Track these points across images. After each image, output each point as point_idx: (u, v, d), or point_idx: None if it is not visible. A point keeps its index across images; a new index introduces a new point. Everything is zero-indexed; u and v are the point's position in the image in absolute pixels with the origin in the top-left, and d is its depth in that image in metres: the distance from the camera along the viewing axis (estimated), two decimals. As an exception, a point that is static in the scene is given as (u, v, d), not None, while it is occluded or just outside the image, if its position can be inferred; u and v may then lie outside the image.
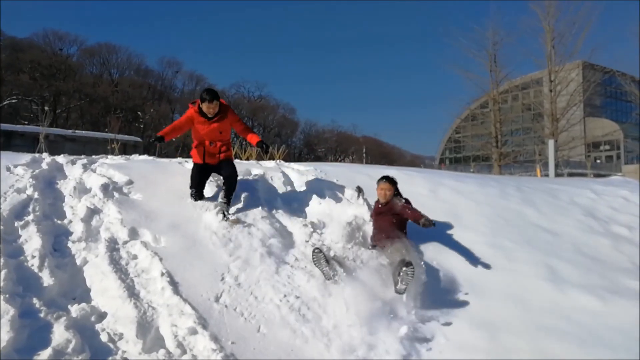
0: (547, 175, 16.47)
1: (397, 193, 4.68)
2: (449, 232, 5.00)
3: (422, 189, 6.03)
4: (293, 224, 4.82)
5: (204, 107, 4.90)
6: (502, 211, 5.63)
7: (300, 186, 5.96)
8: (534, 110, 27.20)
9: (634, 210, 6.00)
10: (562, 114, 21.96)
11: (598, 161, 48.26)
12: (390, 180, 4.72)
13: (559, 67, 22.06)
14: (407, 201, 4.61)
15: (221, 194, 4.96)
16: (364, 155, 51.61)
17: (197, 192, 5.07)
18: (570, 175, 22.90)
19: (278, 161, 7.96)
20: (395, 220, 4.45)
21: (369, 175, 6.50)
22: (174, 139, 5.43)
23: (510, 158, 25.10)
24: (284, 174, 6.17)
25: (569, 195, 6.42)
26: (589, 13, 21.97)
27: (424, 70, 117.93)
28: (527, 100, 28.97)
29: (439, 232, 4.95)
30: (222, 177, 5.20)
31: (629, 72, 24.30)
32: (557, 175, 17.27)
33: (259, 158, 12.26)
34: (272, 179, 5.93)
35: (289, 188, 5.86)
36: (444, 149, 62.07)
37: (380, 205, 4.62)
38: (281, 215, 5.00)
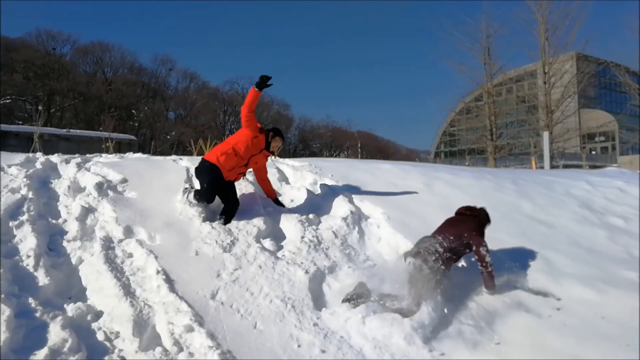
0: (542, 168, 16.53)
1: None
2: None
3: (417, 183, 6.04)
4: (288, 220, 4.82)
5: (275, 142, 4.92)
6: (497, 204, 5.64)
7: (295, 182, 5.96)
8: (528, 102, 27.23)
9: (629, 201, 6.03)
10: (557, 105, 22.01)
11: (593, 152, 48.41)
12: None
13: (552, 59, 22.07)
14: None
15: (221, 220, 4.63)
16: (359, 150, 51.62)
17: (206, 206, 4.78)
18: (566, 167, 22.98)
19: (273, 157, 7.95)
20: None
21: (363, 170, 6.51)
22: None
23: (505, 151, 25.17)
24: (279, 170, 6.16)
25: (564, 187, 6.45)
26: (583, 4, 22.01)
27: (419, 64, 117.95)
28: (521, 93, 28.95)
29: (433, 225, 4.96)
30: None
31: (623, 63, 24.39)
32: (553, 167, 17.34)
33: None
34: (267, 175, 5.91)
35: (283, 184, 5.85)
36: (439, 143, 62.07)
37: None
38: (276, 211, 4.99)
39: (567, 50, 23.17)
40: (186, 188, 4.97)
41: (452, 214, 5.33)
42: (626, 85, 23.31)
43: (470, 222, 4.12)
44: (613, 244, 4.89)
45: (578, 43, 23.16)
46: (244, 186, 5.39)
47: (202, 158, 4.84)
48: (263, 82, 4.48)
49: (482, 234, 4.07)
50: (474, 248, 3.96)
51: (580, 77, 23.09)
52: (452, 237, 3.91)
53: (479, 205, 4.36)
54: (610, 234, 5.09)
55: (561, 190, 6.31)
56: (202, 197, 4.71)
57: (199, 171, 4.78)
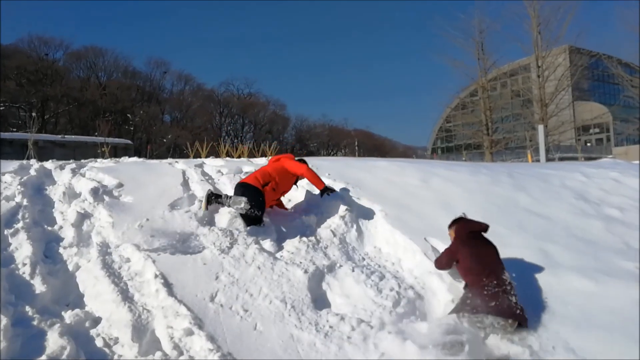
0: (538, 161, 16.57)
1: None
2: (442, 220, 5.00)
3: (414, 179, 6.05)
4: (286, 220, 4.81)
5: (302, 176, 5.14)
6: (494, 198, 5.65)
7: (292, 182, 5.94)
8: (523, 96, 27.32)
9: (625, 191, 6.04)
10: (551, 99, 22.09)
11: (588, 144, 48.63)
12: (450, 224, 3.98)
13: (545, 53, 22.16)
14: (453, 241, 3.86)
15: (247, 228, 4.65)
16: (356, 148, 51.61)
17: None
18: (561, 159, 23.06)
19: (270, 158, 7.94)
20: (458, 270, 3.80)
21: (360, 168, 6.51)
22: None
23: (501, 145, 25.22)
24: (276, 170, 6.14)
25: (560, 179, 6.46)
26: (574, -1, 22.08)
27: (415, 61, 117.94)
28: (515, 87, 29.10)
29: (431, 220, 4.96)
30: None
31: (616, 54, 24.51)
32: (548, 160, 17.37)
33: (251, 155, 12.24)
34: (263, 176, 5.90)
35: (281, 184, 5.83)
36: (436, 139, 62.20)
37: None
38: (274, 212, 4.98)
39: (560, 43, 23.27)
40: (215, 195, 4.66)
41: (449, 209, 5.28)
42: (619, 77, 23.39)
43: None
44: (609, 234, 4.90)
45: (570, 36, 23.27)
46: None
47: (246, 182, 4.71)
48: (327, 190, 5.06)
49: None
50: None
51: (573, 70, 23.20)
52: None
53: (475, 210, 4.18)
54: (607, 224, 5.10)
55: (557, 182, 6.32)
56: (258, 206, 4.58)
57: (248, 189, 4.63)
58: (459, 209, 5.30)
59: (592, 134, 50.89)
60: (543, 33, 22.08)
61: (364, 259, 4.44)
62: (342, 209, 5.00)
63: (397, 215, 4.97)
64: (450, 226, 4.02)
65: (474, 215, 5.15)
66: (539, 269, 4.19)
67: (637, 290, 3.79)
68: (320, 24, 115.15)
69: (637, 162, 8.87)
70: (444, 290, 3.87)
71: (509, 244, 4.60)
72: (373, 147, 59.11)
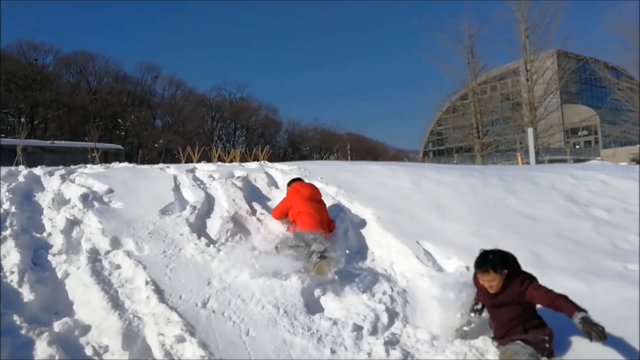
0: (528, 163, 16.73)
1: (514, 272, 3.30)
2: (433, 222, 5.02)
3: (405, 182, 6.07)
4: (278, 224, 4.80)
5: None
6: (485, 200, 5.70)
7: (284, 186, 5.93)
8: (512, 99, 27.62)
9: (612, 193, 6.12)
10: (540, 102, 22.37)
11: (577, 147, 49.26)
12: (493, 266, 3.21)
13: (534, 57, 22.46)
14: (531, 277, 3.33)
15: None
16: (349, 151, 51.70)
17: None
18: (551, 161, 23.32)
19: (262, 162, 7.93)
20: (523, 310, 3.29)
21: (352, 171, 6.52)
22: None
23: (492, 148, 25.47)
24: (268, 175, 6.14)
25: (549, 181, 6.52)
26: (561, 3, 22.44)
27: (404, 62, 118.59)
28: (505, 90, 29.41)
29: (423, 223, 4.98)
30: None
31: (603, 57, 24.91)
32: (538, 162, 17.56)
33: (243, 160, 12.21)
34: (255, 180, 5.91)
35: (273, 188, 5.83)
36: (427, 142, 62.65)
37: (492, 294, 3.31)
38: (265, 216, 4.97)
39: (548, 47, 23.62)
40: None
41: (440, 211, 5.26)
42: (606, 80, 23.76)
43: None
44: (598, 235, 4.96)
45: (557, 40, 23.63)
46: (232, 192, 5.36)
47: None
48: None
49: None
50: None
51: (561, 74, 23.53)
52: None
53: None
54: (595, 225, 5.16)
55: (546, 184, 6.39)
56: None
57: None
58: (450, 210, 5.34)
59: (581, 136, 51.56)
60: (531, 37, 22.41)
61: (356, 262, 4.43)
62: (335, 212, 5.01)
63: (390, 218, 4.98)
64: (501, 268, 3.24)
65: (464, 217, 5.20)
66: (529, 270, 4.20)
67: (626, 290, 3.83)
68: (315, 25, 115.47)
69: (625, 164, 9.01)
70: (436, 294, 3.88)
71: (499, 245, 4.58)
72: (365, 150, 59.21)
